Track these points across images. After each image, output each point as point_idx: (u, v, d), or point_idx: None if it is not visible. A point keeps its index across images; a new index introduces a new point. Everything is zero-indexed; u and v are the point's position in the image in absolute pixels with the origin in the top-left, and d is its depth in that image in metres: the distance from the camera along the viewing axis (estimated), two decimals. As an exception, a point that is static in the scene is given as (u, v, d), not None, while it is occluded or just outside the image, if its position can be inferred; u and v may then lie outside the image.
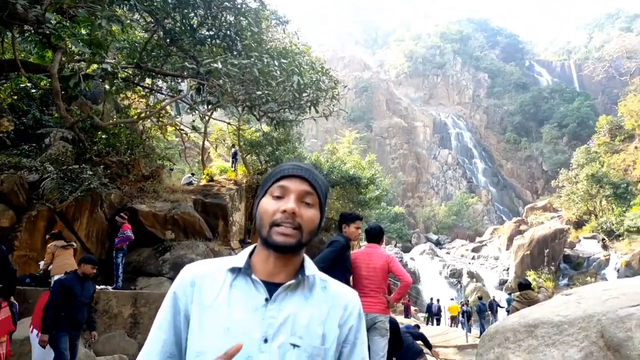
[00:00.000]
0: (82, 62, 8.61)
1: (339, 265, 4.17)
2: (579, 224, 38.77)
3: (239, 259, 1.17)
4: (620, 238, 33.36)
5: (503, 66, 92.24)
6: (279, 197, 1.14)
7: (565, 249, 34.26)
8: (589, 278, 29.58)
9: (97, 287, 8.69)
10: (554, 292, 23.71)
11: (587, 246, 35.33)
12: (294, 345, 1.06)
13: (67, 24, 7.21)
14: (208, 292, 1.11)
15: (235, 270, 1.14)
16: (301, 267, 1.18)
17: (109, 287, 8.78)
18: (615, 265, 30.77)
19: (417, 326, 11.87)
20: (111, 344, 7.43)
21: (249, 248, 1.22)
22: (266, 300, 1.09)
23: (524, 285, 6.91)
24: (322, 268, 3.97)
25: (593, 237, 35.81)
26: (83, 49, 7.09)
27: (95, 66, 7.95)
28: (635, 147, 39.97)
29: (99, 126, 10.19)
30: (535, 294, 6.73)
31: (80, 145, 10.25)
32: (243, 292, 1.11)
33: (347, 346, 1.18)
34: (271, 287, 1.11)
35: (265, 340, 1.05)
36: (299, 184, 1.15)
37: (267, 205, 1.14)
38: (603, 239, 34.64)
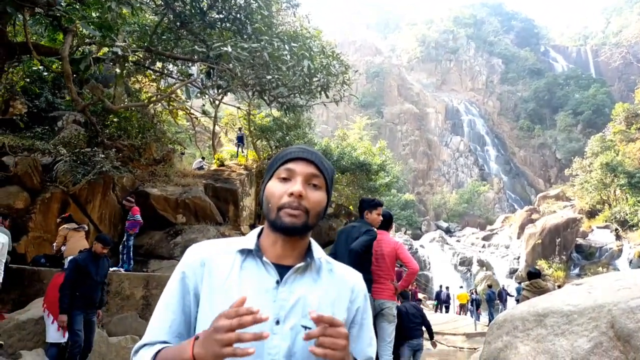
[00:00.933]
0: (93, 45, 8.61)
1: (368, 254, 4.21)
2: (592, 214, 38.36)
3: (248, 240, 1.17)
4: (634, 228, 32.96)
5: (517, 51, 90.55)
6: (285, 180, 1.14)
7: (577, 239, 34.01)
8: (600, 268, 29.34)
9: (121, 268, 8.87)
10: (565, 282, 23.58)
11: (600, 236, 34.99)
12: (305, 327, 1.06)
13: (78, 7, 7.20)
14: (218, 272, 1.11)
15: (245, 252, 1.15)
16: (308, 250, 1.19)
17: (122, 269, 8.90)
18: (628, 256, 30.48)
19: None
20: (123, 325, 7.56)
21: (257, 230, 1.22)
22: (277, 282, 1.10)
23: (533, 274, 6.87)
24: (359, 254, 4.02)
25: (606, 227, 35.44)
26: (93, 32, 7.09)
27: (105, 49, 7.95)
28: (652, 136, 39.25)
29: (110, 109, 10.24)
30: (544, 283, 6.68)
31: (92, 129, 10.32)
32: (253, 274, 1.11)
33: (355, 327, 1.20)
34: (280, 270, 1.12)
35: (277, 322, 1.06)
36: (306, 167, 1.15)
37: (274, 188, 1.14)
38: (616, 229, 34.26)
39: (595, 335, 3.27)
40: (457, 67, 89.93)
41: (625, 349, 3.06)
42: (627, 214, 33.94)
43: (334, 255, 4.37)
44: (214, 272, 1.11)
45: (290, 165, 1.15)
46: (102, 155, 9.64)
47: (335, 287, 1.18)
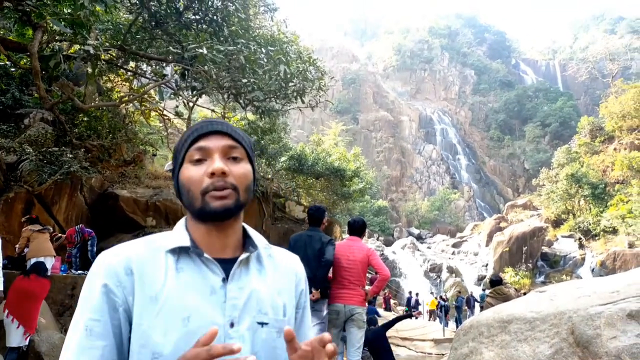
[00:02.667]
0: (64, 42, 8.40)
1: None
2: (557, 223, 39.53)
3: (179, 237, 0.99)
4: (596, 238, 34.12)
5: (489, 63, 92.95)
6: (200, 161, 0.99)
7: (543, 247, 34.97)
8: (564, 276, 30.24)
9: (76, 272, 8.62)
10: (530, 289, 24.20)
11: (564, 245, 36.07)
12: (262, 324, 0.98)
13: (49, 2, 7.02)
14: (151, 280, 0.92)
15: (177, 251, 0.97)
16: (247, 237, 1.08)
17: (86, 272, 8.67)
18: (590, 265, 31.50)
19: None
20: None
21: (181, 223, 1.04)
22: (223, 280, 0.96)
23: (495, 282, 7.04)
24: (331, 263, 4.14)
25: (570, 236, 36.56)
26: (65, 28, 6.91)
27: (77, 47, 7.77)
28: (615, 149, 40.79)
29: (80, 108, 9.99)
30: (507, 290, 6.87)
31: (61, 128, 10.04)
32: (194, 275, 0.95)
33: (299, 311, 1.13)
34: (222, 265, 0.98)
35: (232, 324, 0.94)
36: (220, 140, 1.01)
37: (190, 172, 0.98)
38: (580, 238, 35.40)
39: (556, 342, 3.37)
40: (431, 76, 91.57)
41: (584, 354, 3.17)
42: (590, 224, 35.13)
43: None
44: (146, 279, 0.92)
45: (201, 144, 0.99)
46: (70, 155, 9.38)
47: (280, 274, 1.08)
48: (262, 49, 9.22)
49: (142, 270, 0.92)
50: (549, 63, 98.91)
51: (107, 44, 9.47)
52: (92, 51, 6.90)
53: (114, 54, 9.88)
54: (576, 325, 3.28)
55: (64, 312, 7.19)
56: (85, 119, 11.62)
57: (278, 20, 14.27)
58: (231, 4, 9.46)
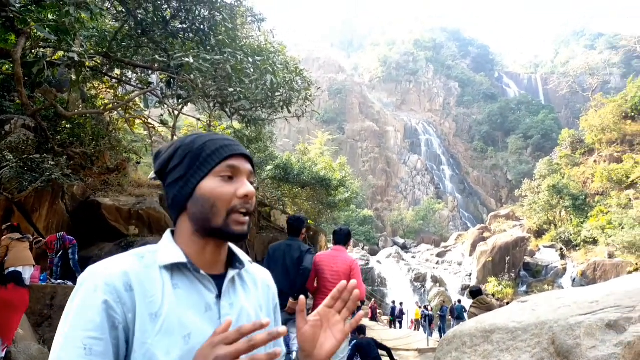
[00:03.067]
0: (48, 49, 8.32)
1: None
2: (539, 233, 40.04)
3: (173, 253, 0.97)
4: (577, 248, 34.61)
5: (473, 76, 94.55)
6: (230, 178, 0.99)
7: (525, 257, 35.29)
8: (546, 286, 30.59)
9: (55, 282, 8.44)
10: (513, 299, 24.42)
11: (546, 255, 36.48)
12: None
13: (33, 9, 6.96)
14: (151, 297, 0.89)
15: (170, 267, 0.95)
16: (232, 254, 1.08)
17: (69, 282, 8.50)
18: (571, 275, 31.87)
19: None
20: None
21: (169, 237, 1.02)
22: (217, 297, 0.97)
23: (475, 292, 7.10)
24: (310, 271, 4.08)
25: (552, 247, 37.01)
26: (49, 35, 6.85)
27: (61, 53, 7.70)
28: (595, 161, 41.65)
29: (63, 115, 9.86)
30: (491, 300, 6.94)
31: (43, 134, 9.89)
32: (190, 291, 0.94)
33: (273, 324, 1.14)
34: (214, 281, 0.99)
35: None
36: (246, 164, 1.03)
37: (221, 188, 0.97)
38: (561, 249, 35.89)
39: (537, 352, 3.41)
40: (416, 88, 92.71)
41: (564, 363, 3.22)
42: (571, 234, 35.66)
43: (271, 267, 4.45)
44: (147, 296, 0.89)
45: (234, 162, 1.00)
46: (52, 163, 9.23)
47: (258, 290, 1.10)
48: (249, 58, 9.25)
49: (142, 287, 0.89)
50: (531, 77, 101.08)
51: (92, 51, 9.40)
52: (76, 58, 6.85)
53: (99, 61, 9.81)
54: (557, 335, 3.32)
55: (42, 322, 7.03)
56: (68, 126, 11.46)
57: (265, 30, 14.34)
58: (218, 14, 9.49)
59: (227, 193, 0.97)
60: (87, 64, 8.15)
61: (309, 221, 21.26)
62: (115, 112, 13.25)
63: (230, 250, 1.07)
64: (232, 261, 1.06)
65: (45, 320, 6.20)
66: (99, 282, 0.86)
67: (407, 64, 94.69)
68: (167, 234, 1.03)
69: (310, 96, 11.86)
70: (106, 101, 13.06)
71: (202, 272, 0.96)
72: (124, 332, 0.86)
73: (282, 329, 0.81)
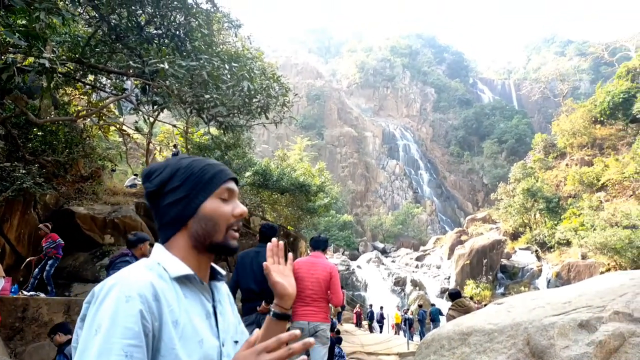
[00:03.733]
0: (18, 55, 8.10)
1: None
2: (515, 236, 40.76)
3: (179, 265, 1.05)
4: (552, 250, 35.35)
5: (449, 82, 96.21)
6: (225, 200, 1.12)
7: (502, 259, 35.81)
8: (523, 288, 31.11)
9: (26, 293, 8.18)
10: (490, 301, 24.79)
11: (522, 257, 37.10)
12: (236, 342, 1.12)
13: (2, 13, 6.78)
14: (172, 306, 0.98)
15: (179, 279, 1.04)
16: (211, 267, 1.18)
17: (41, 294, 8.25)
18: (547, 276, 32.47)
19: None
20: (39, 355, 6.97)
21: (165, 252, 1.08)
22: (213, 305, 1.11)
23: (455, 295, 7.18)
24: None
25: (527, 249, 37.69)
26: (19, 41, 6.68)
27: (32, 59, 7.51)
28: (566, 165, 42.75)
29: (34, 123, 9.61)
30: (470, 302, 7.01)
31: (13, 142, 9.61)
32: (195, 301, 1.05)
33: None
34: None
35: (223, 344, 1.07)
36: (236, 186, 1.17)
37: (221, 208, 1.10)
38: (536, 250, 36.61)
39: (513, 353, 3.46)
40: (393, 94, 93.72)
41: (539, 364, 3.27)
42: (545, 236, 36.43)
43: (236, 279, 4.41)
44: (169, 306, 0.97)
45: (231, 186, 1.14)
46: (23, 171, 8.98)
47: (224, 296, 1.20)
48: (226, 64, 9.19)
49: (165, 297, 0.97)
50: (504, 82, 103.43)
51: (65, 56, 9.20)
52: (47, 64, 6.68)
53: (72, 67, 9.60)
54: (531, 336, 3.38)
55: (13, 335, 6.81)
56: (40, 133, 11.17)
57: (242, 36, 14.32)
58: (194, 20, 9.42)
59: (227, 212, 1.10)
60: (59, 70, 7.97)
61: (288, 227, 21.20)
62: (89, 119, 12.98)
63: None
64: (213, 273, 1.18)
65: (17, 334, 6.00)
66: (132, 292, 0.92)
67: (384, 70, 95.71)
68: (162, 248, 1.10)
69: (288, 102, 11.85)
70: (79, 108, 12.79)
71: (204, 283, 1.10)
72: (151, 340, 0.93)
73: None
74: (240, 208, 1.12)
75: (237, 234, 1.12)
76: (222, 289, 1.20)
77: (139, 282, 0.94)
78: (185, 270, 1.04)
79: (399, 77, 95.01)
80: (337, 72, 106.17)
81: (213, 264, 1.17)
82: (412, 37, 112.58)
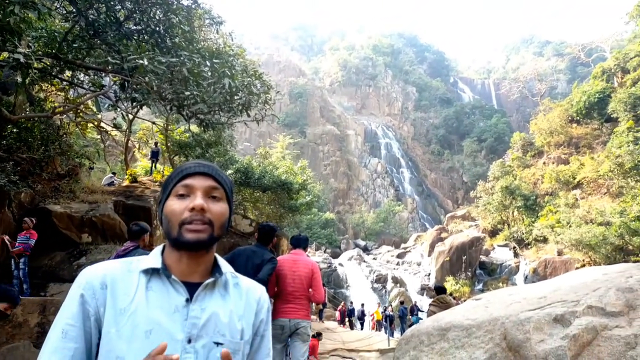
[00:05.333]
0: (-9, 49, 7.88)
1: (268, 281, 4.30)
2: (493, 233, 41.43)
3: (153, 259, 1.13)
4: (529, 246, 36.03)
5: (430, 81, 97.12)
6: (183, 196, 1.13)
7: (481, 256, 36.39)
8: (501, 284, 31.64)
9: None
10: (470, 297, 25.15)
11: (501, 253, 37.75)
12: (217, 343, 1.09)
13: (-26, 6, 6.57)
14: (122, 294, 1.06)
15: (149, 272, 1.11)
16: (215, 266, 1.20)
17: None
18: (524, 272, 33.07)
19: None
20: (14, 356, 6.81)
21: (159, 248, 1.18)
22: (187, 300, 1.09)
23: (439, 290, 7.29)
24: (264, 282, 4.04)
25: (505, 245, 38.36)
26: (-8, 35, 6.50)
27: (6, 54, 7.31)
28: (544, 163, 43.61)
29: (8, 119, 9.36)
30: (450, 298, 7.10)
31: (-14, 139, 9.35)
32: (161, 294, 1.08)
33: (257, 338, 1.23)
34: (188, 287, 1.11)
35: (189, 341, 1.06)
36: (204, 181, 1.16)
37: (174, 205, 1.12)
38: (514, 247, 37.28)
39: (490, 347, 3.53)
40: (375, 92, 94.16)
41: (515, 358, 3.34)
42: (523, 234, 37.10)
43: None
44: (118, 294, 1.06)
45: (187, 181, 1.15)
46: (-3, 169, 8.76)
47: (242, 301, 1.19)
48: (207, 61, 9.09)
49: (115, 286, 1.07)
50: (484, 82, 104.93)
51: (41, 52, 8.98)
52: (22, 59, 6.51)
53: (48, 63, 9.37)
54: (508, 331, 3.45)
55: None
56: (15, 130, 10.88)
57: (224, 33, 14.18)
58: (174, 16, 9.29)
59: (179, 209, 1.12)
60: (34, 65, 7.77)
61: (270, 225, 21.12)
62: (66, 116, 12.70)
63: (216, 263, 1.20)
64: (214, 272, 1.19)
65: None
66: (82, 280, 1.07)
67: (367, 69, 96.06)
68: (159, 247, 1.19)
69: (270, 100, 11.79)
70: (56, 104, 12.50)
71: (173, 277, 1.11)
72: (96, 322, 1.05)
73: (175, 356, 0.95)
74: (193, 202, 1.11)
75: (196, 227, 1.09)
76: (234, 289, 1.20)
77: (93, 272, 1.08)
78: (152, 264, 1.11)
79: (381, 75, 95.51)
80: (320, 70, 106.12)
81: (221, 262, 1.20)
82: (394, 36, 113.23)
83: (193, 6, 10.87)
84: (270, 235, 4.52)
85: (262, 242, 4.49)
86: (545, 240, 34.43)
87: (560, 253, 31.91)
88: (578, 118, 43.45)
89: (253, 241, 17.95)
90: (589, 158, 36.87)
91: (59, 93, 13.46)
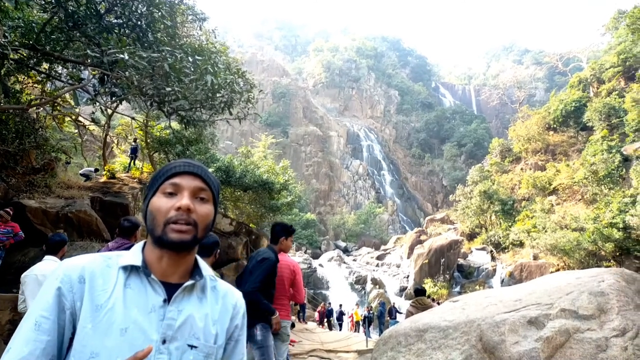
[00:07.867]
0: (-35, 37, 7.63)
1: (269, 281, 4.10)
2: (471, 236, 42.03)
3: (133, 256, 1.12)
4: (506, 250, 36.67)
5: (412, 85, 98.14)
6: (171, 194, 1.12)
7: (459, 259, 36.88)
8: (478, 287, 32.11)
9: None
10: (447, 299, 25.43)
11: (478, 257, 38.28)
12: (192, 347, 1.08)
13: (-52, -7, 6.37)
14: (100, 290, 1.05)
15: (129, 269, 1.10)
16: (196, 267, 1.19)
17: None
18: (500, 275, 33.66)
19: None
20: (-19, 355, 6.60)
21: (140, 245, 1.17)
22: (164, 301, 1.08)
23: (419, 291, 7.35)
24: (258, 288, 3.90)
25: (483, 249, 38.93)
26: (-34, 22, 6.29)
27: (-20, 43, 7.09)
28: (521, 169, 44.44)
29: (-19, 110, 9.08)
30: (429, 300, 7.17)
31: (-43, 131, 9.05)
32: (139, 292, 1.07)
33: (231, 342, 1.22)
34: (166, 288, 1.10)
35: (164, 341, 1.05)
36: (192, 181, 1.15)
37: (160, 203, 1.11)
38: (491, 251, 37.88)
39: (466, 348, 3.57)
40: (358, 94, 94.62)
41: (490, 359, 3.39)
42: (500, 237, 37.77)
43: (240, 279, 4.31)
44: (96, 289, 1.04)
45: (176, 180, 1.14)
46: (-32, 161, 8.48)
47: (218, 306, 1.19)
48: (189, 57, 8.97)
49: (94, 281, 1.05)
50: (465, 87, 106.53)
51: (17, 42, 8.73)
52: (-3, 49, 6.33)
53: (25, 54, 9.13)
54: (484, 332, 3.50)
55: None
56: (-12, 122, 10.58)
57: (207, 30, 14.03)
58: (157, 11, 9.16)
59: (165, 206, 1.11)
60: (10, 56, 7.56)
61: (251, 225, 21.01)
62: (42, 109, 12.39)
63: (196, 264, 1.19)
64: (194, 274, 1.18)
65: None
66: (61, 273, 1.04)
67: (350, 71, 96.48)
68: (140, 243, 1.18)
69: (252, 98, 11.72)
70: (32, 97, 12.18)
71: (152, 276, 1.10)
72: (71, 316, 1.03)
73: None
74: (179, 201, 1.10)
75: (181, 227, 1.09)
76: (211, 292, 1.19)
77: (71, 266, 1.06)
78: (132, 261, 1.10)
79: (364, 78, 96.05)
80: (303, 71, 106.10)
81: (201, 265, 1.19)
82: (377, 39, 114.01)
83: (176, 1, 10.74)
84: (273, 233, 4.49)
85: (272, 242, 4.47)
86: (521, 244, 35.07)
87: (535, 257, 32.54)
88: (555, 126, 44.42)
89: (233, 240, 17.70)
90: (565, 165, 37.72)
91: (35, 85, 13.13)
